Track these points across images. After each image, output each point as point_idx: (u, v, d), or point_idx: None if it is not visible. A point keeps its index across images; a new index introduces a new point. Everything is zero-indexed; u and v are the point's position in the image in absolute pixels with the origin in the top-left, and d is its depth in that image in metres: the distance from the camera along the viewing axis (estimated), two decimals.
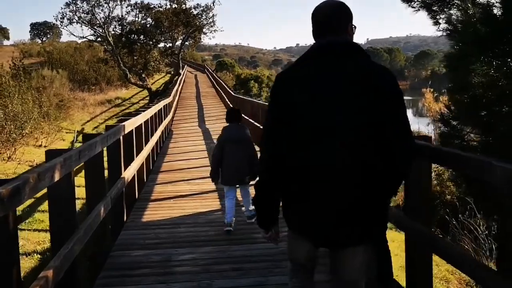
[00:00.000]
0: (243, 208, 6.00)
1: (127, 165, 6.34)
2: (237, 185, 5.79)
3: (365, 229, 2.33)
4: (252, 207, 5.64)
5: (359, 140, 2.25)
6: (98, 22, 33.48)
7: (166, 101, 16.81)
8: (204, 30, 39.03)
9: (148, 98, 33.12)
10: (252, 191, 3.84)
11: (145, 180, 8.50)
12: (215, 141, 14.56)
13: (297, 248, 2.52)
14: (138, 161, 7.24)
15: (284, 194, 2.44)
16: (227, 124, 5.78)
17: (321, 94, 2.28)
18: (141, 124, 8.28)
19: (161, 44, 37.80)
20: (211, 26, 39.29)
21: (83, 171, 5.27)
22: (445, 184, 11.13)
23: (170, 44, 38.55)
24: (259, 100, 18.23)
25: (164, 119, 15.24)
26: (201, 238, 5.42)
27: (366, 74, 2.27)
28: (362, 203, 2.29)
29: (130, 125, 6.74)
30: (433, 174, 7.88)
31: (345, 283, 2.45)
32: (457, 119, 6.51)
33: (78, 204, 6.28)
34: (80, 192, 5.83)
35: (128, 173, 6.16)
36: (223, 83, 30.66)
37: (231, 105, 21.52)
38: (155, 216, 6.42)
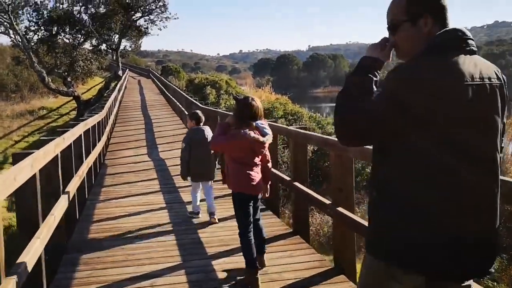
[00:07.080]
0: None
1: None
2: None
3: (494, 257, 1.94)
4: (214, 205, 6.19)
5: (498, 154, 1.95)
6: (2, 6, 22.64)
7: (91, 121, 9.58)
8: (152, 17, 25.96)
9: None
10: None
11: None
12: (179, 191, 7.76)
13: None
14: None
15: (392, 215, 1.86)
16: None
17: (469, 104, 1.80)
18: None
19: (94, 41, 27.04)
20: (162, 12, 25.70)
21: None
22: None
23: (107, 37, 26.80)
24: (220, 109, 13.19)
25: (91, 150, 8.60)
26: None
27: (498, 74, 1.92)
28: (496, 226, 1.93)
29: None
30: None
31: None
32: None
33: None
34: None
35: None
36: (178, 89, 23.79)
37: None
38: None
